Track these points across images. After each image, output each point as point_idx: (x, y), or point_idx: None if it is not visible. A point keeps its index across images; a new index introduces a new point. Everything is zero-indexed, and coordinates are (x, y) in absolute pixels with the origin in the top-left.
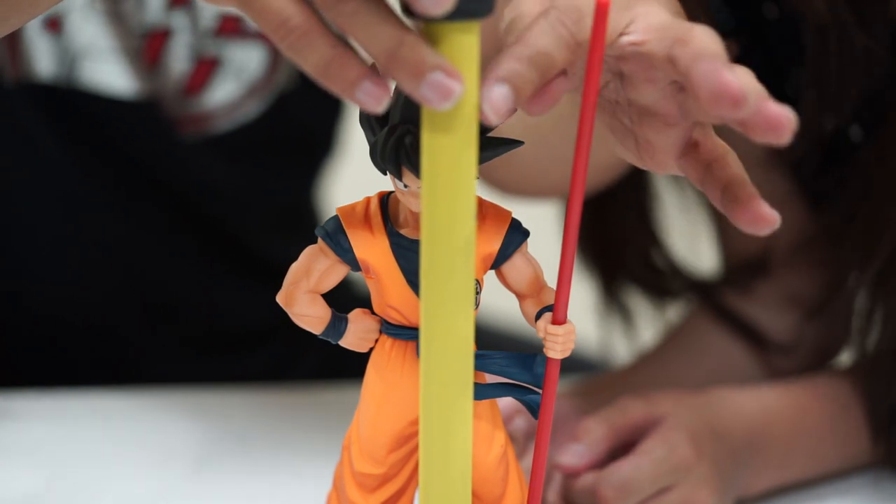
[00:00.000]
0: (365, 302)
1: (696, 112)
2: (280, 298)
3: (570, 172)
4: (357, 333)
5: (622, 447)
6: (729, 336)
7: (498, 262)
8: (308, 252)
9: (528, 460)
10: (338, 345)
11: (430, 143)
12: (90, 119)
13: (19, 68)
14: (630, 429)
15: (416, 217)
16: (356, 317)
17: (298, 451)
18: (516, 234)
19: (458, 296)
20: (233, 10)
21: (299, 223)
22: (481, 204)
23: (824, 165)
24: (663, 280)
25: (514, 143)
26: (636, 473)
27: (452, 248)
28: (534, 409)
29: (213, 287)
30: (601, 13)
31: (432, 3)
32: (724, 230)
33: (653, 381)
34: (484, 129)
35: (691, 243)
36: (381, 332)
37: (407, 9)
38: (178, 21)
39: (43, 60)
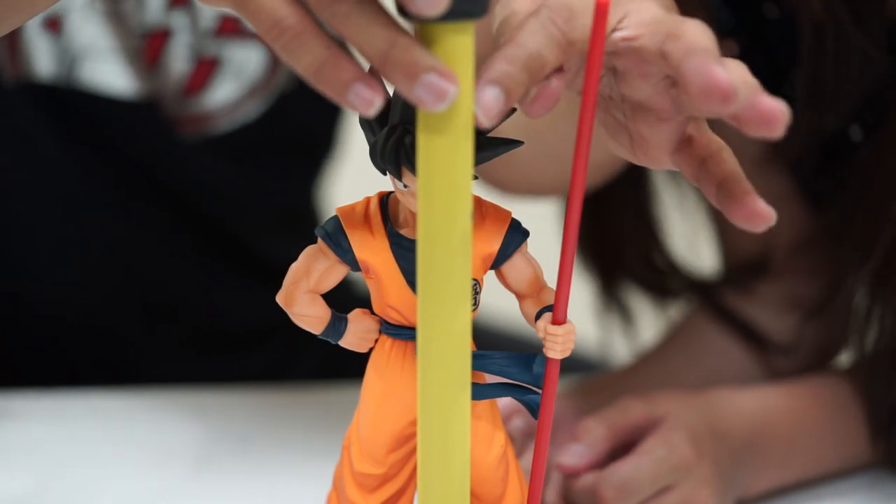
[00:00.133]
0: (365, 302)
1: (688, 107)
2: (280, 298)
3: (568, 171)
4: (357, 333)
5: (622, 447)
6: (729, 336)
7: (498, 262)
8: (308, 252)
9: (527, 460)
10: (337, 345)
11: (426, 144)
12: (90, 119)
13: (19, 68)
14: (630, 429)
15: (415, 217)
16: (356, 317)
17: (298, 451)
18: (516, 234)
19: (455, 296)
20: (228, 10)
21: (299, 223)
22: (481, 204)
23: (824, 165)
24: (663, 279)
25: (513, 143)
26: (636, 473)
27: (449, 249)
28: (533, 410)
29: (213, 287)
30: (601, 13)
31: (426, 3)
32: (724, 230)
33: (652, 380)
34: (483, 129)
35: (691, 243)
36: (380, 332)
37: (401, 9)
38: (178, 21)
39: (43, 60)
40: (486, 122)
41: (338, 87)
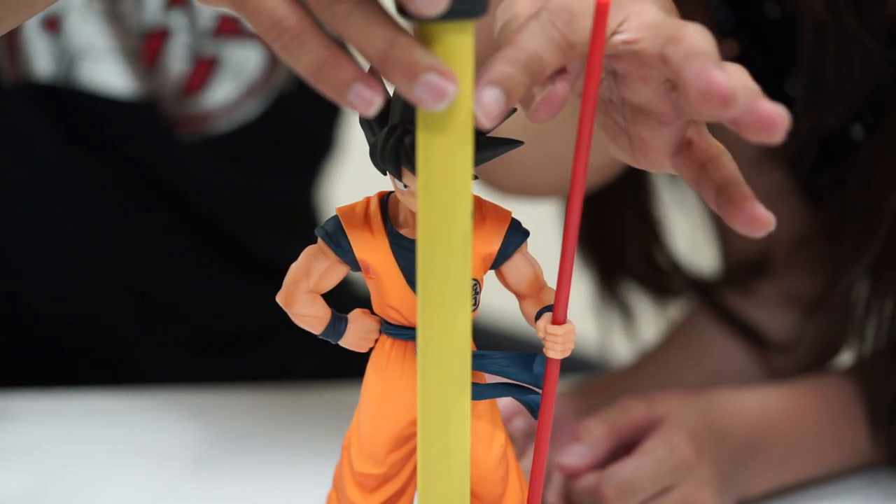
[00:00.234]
0: (365, 302)
1: (688, 110)
2: (280, 298)
3: (568, 172)
4: (357, 333)
5: (623, 448)
6: (729, 336)
7: (498, 262)
8: (308, 252)
9: (528, 461)
10: (337, 345)
11: (425, 144)
12: (89, 119)
13: (18, 68)
14: (631, 429)
15: (415, 217)
16: (356, 317)
17: (298, 451)
18: (516, 234)
19: (455, 296)
20: (227, 10)
21: (299, 223)
22: (481, 204)
23: (823, 163)
24: (663, 278)
25: (513, 143)
26: (638, 473)
27: (449, 249)
28: (533, 410)
29: (213, 287)
30: (601, 13)
31: (426, 3)
32: (724, 229)
33: (653, 380)
34: (483, 129)
35: (691, 242)
36: (380, 332)
37: (401, 9)
38: (177, 21)
39: (41, 60)
40: (486, 123)
41: (338, 87)
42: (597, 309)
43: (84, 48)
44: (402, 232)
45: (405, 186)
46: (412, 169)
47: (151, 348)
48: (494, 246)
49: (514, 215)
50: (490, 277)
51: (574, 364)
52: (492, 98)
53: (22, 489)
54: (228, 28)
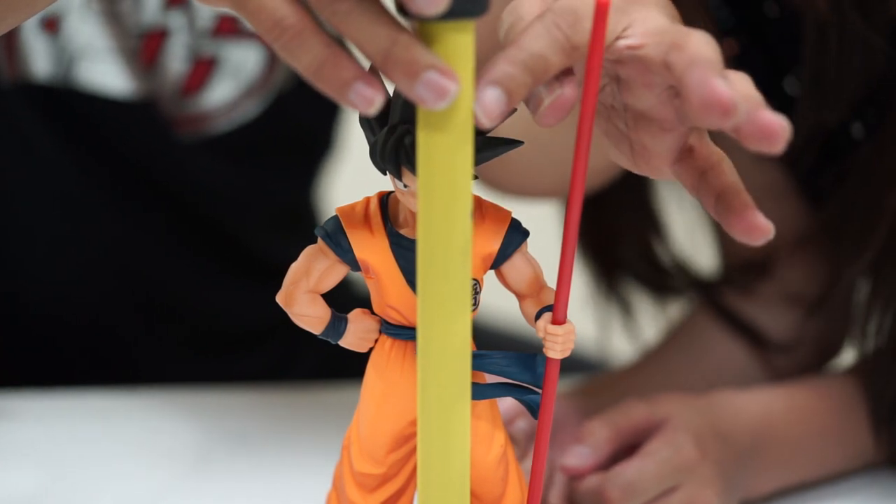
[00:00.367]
0: (365, 302)
1: (690, 117)
2: (280, 298)
3: (567, 174)
4: (357, 333)
5: (625, 450)
6: (730, 335)
7: (498, 262)
8: (308, 252)
9: (530, 461)
10: (337, 345)
11: (426, 143)
12: (87, 119)
13: (16, 68)
14: (634, 431)
15: (415, 217)
16: (356, 317)
17: (298, 450)
18: (516, 234)
19: (455, 296)
20: (227, 10)
21: (298, 223)
22: (481, 204)
23: (823, 162)
24: (664, 278)
25: (513, 143)
26: (641, 474)
27: (449, 249)
28: (534, 410)
29: (212, 287)
30: (601, 13)
31: (426, 3)
32: (723, 230)
33: (653, 380)
34: (483, 129)
35: (691, 241)
36: (380, 332)
37: (401, 9)
38: (175, 21)
39: (40, 60)
40: (486, 123)
41: (338, 85)
42: (597, 309)
43: (83, 48)
44: (402, 232)
45: (405, 186)
46: (412, 169)
47: (151, 348)
48: (494, 246)
49: (514, 215)
50: (490, 277)
51: (574, 364)
52: (493, 98)
53: (22, 489)
54: (227, 28)
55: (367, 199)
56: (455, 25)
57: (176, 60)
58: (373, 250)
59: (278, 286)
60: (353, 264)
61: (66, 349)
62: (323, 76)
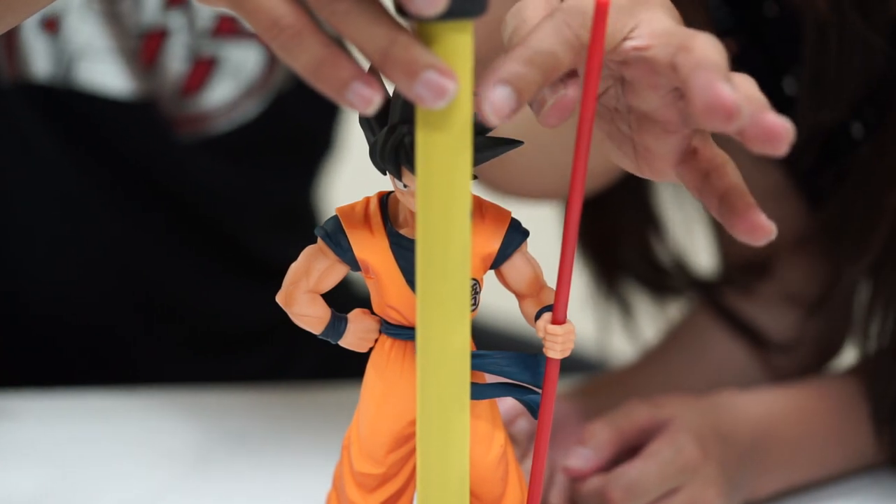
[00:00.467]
0: (365, 302)
1: (695, 120)
2: (280, 298)
3: (567, 176)
4: (357, 333)
5: (627, 451)
6: (730, 336)
7: (497, 262)
8: (307, 252)
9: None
10: (337, 345)
11: (425, 143)
12: (87, 119)
13: (16, 68)
14: (636, 432)
15: (415, 217)
16: (356, 317)
17: (298, 450)
18: (516, 234)
19: (455, 296)
20: (226, 10)
21: (298, 223)
22: (481, 204)
23: (823, 162)
24: (664, 278)
25: (513, 143)
26: (644, 475)
27: (448, 249)
28: (534, 409)
29: (212, 287)
30: (601, 13)
31: (425, 3)
32: (723, 229)
33: (654, 380)
34: (483, 129)
35: (691, 241)
36: (380, 332)
37: (400, 9)
38: (175, 21)
39: (40, 60)
40: (495, 121)
41: (337, 85)
42: (597, 309)
43: (82, 48)
44: (402, 232)
45: (405, 186)
46: (412, 168)
47: (150, 348)
48: (494, 246)
49: (513, 215)
50: (490, 277)
51: (574, 364)
52: (502, 96)
53: (21, 489)
54: (227, 28)
55: (367, 199)
56: (454, 25)
57: (176, 60)
58: (372, 250)
59: (278, 286)
60: (353, 264)
61: (66, 349)
62: (321, 76)
